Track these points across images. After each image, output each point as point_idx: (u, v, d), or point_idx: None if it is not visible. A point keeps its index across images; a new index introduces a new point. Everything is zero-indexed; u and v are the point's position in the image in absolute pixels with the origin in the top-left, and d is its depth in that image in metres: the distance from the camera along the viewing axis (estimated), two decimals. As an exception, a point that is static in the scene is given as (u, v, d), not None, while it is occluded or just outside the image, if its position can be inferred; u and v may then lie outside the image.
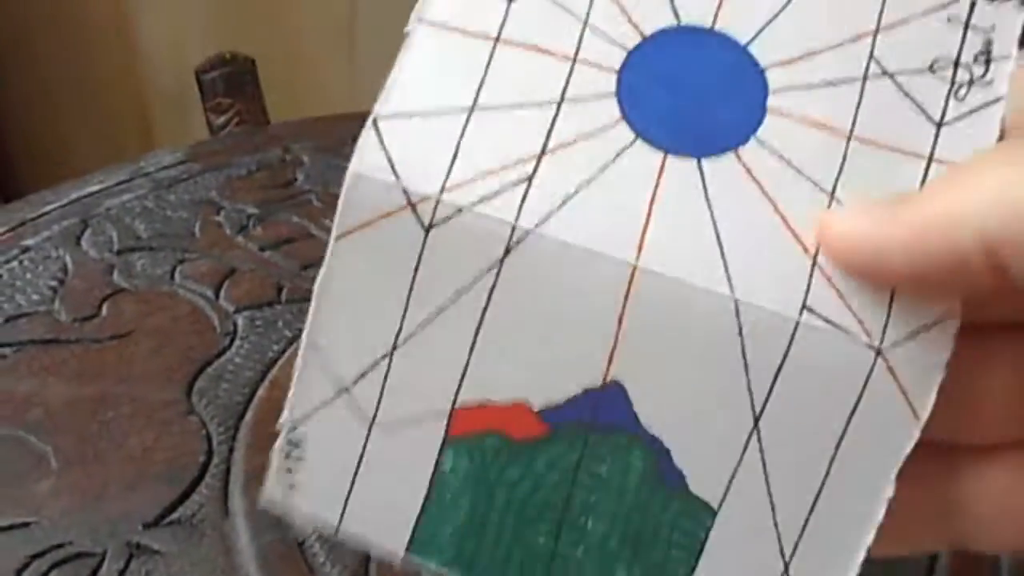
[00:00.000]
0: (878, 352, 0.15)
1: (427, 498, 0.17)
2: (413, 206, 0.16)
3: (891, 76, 0.16)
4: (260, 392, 0.30)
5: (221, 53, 0.53)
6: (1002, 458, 0.16)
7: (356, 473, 0.17)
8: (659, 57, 0.16)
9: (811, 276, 0.15)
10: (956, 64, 0.16)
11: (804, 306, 0.15)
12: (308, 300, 0.40)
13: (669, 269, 0.15)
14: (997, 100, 0.16)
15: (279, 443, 0.17)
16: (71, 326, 0.34)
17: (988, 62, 0.16)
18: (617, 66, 0.16)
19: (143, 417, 0.29)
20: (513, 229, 0.15)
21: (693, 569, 0.16)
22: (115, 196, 0.44)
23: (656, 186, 0.16)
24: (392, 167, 0.16)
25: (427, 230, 0.16)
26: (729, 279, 0.15)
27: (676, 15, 0.16)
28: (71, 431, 0.28)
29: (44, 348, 0.32)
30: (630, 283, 0.15)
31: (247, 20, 0.90)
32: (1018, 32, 0.16)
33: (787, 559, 0.16)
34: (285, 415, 0.17)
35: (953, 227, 0.14)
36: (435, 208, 0.16)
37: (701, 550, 0.16)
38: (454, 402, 0.16)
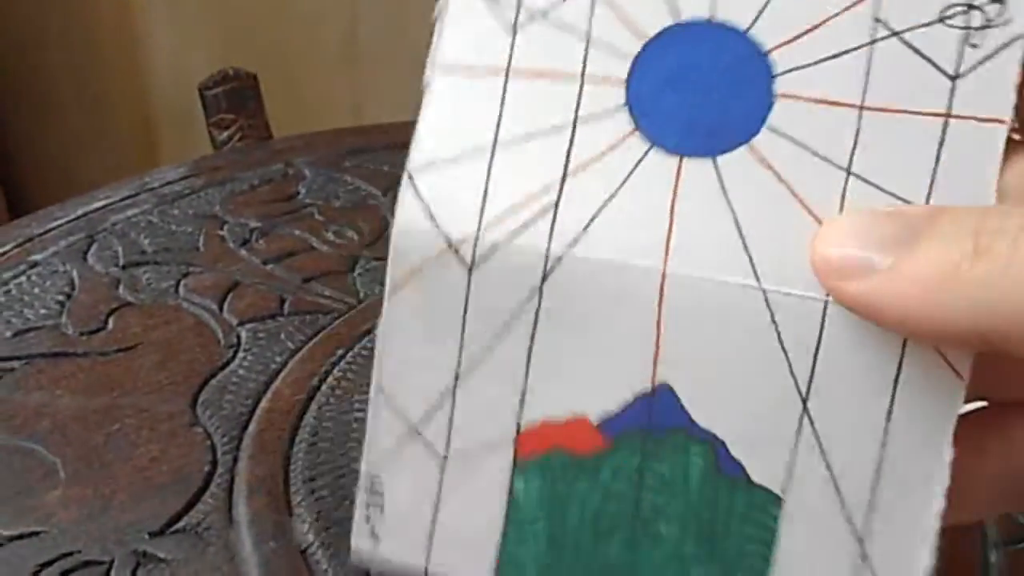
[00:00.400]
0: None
1: (505, 526, 0.17)
2: (455, 249, 0.17)
3: (899, 35, 0.15)
4: (263, 403, 0.31)
5: (224, 69, 0.54)
6: None
7: (435, 512, 0.18)
8: (663, 59, 0.16)
9: None
10: (969, 7, 0.15)
11: None
12: (310, 312, 0.41)
13: (695, 269, 0.16)
14: (1017, 39, 0.15)
15: (360, 495, 0.18)
16: (78, 339, 0.34)
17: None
18: (624, 76, 0.16)
19: (149, 428, 0.30)
20: (547, 256, 0.16)
21: (769, 559, 0.16)
22: (120, 211, 0.45)
23: (675, 191, 0.16)
24: (431, 216, 0.17)
25: (470, 269, 0.17)
26: (755, 270, 0.16)
27: (675, 11, 0.16)
28: (79, 442, 0.29)
29: (52, 361, 0.33)
30: (662, 288, 0.16)
31: (250, 36, 0.91)
32: None
33: (861, 537, 0.16)
34: (363, 465, 0.18)
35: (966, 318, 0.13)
36: (475, 248, 0.17)
37: (774, 539, 0.16)
38: (518, 426, 0.17)
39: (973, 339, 0.14)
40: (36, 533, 0.26)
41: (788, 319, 0.16)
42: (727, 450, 0.16)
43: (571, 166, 0.17)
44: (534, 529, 0.17)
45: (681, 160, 0.16)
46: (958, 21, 0.15)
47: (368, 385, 0.25)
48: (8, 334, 0.34)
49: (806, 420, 0.16)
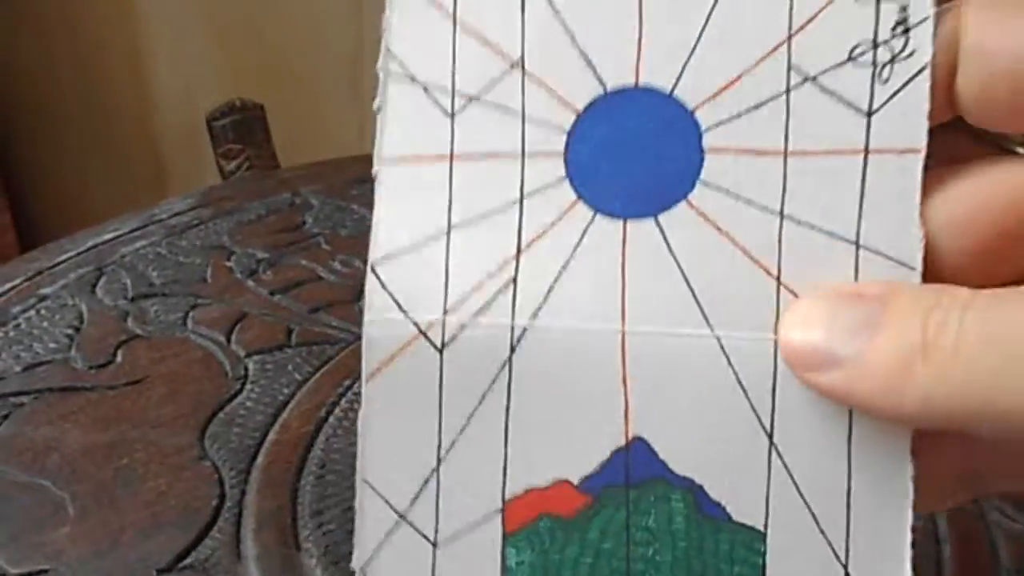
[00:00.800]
0: None
1: None
2: (424, 334, 0.18)
3: (812, 79, 0.16)
4: (271, 435, 0.31)
5: (231, 100, 0.55)
6: None
7: None
8: (596, 129, 0.17)
9: (778, 295, 0.17)
10: (875, 44, 0.16)
11: (778, 324, 0.16)
12: (317, 343, 0.41)
13: (651, 325, 0.17)
14: (922, 70, 0.16)
15: None
16: (87, 373, 0.34)
17: (907, 31, 0.16)
18: (561, 149, 0.17)
19: (157, 462, 0.30)
20: (512, 329, 0.17)
21: None
22: (129, 244, 0.45)
23: (623, 253, 0.17)
24: (398, 304, 0.18)
25: (440, 351, 0.18)
26: (706, 319, 0.17)
27: (601, 82, 0.17)
28: (88, 478, 0.29)
29: (61, 396, 0.33)
30: (623, 347, 0.17)
31: (256, 67, 0.92)
32: None
33: (844, 560, 0.16)
34: (355, 561, 0.18)
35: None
36: (443, 330, 0.18)
37: (763, 574, 0.17)
38: (503, 498, 0.18)
39: (934, 425, 0.15)
40: (44, 571, 0.26)
41: (743, 360, 0.17)
42: (706, 493, 0.17)
43: (523, 241, 0.17)
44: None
45: (625, 223, 0.17)
46: (866, 59, 0.16)
47: None
48: (18, 368, 0.34)
49: (775, 454, 0.17)
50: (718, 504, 0.17)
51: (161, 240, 0.46)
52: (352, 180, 0.53)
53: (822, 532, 0.17)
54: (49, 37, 0.98)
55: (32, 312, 0.39)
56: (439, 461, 0.18)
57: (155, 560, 0.26)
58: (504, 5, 0.17)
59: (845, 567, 0.17)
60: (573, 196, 0.17)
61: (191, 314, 0.39)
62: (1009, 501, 0.29)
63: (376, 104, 0.18)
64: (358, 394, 0.34)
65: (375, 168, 0.18)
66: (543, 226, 0.17)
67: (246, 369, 0.35)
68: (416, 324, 0.18)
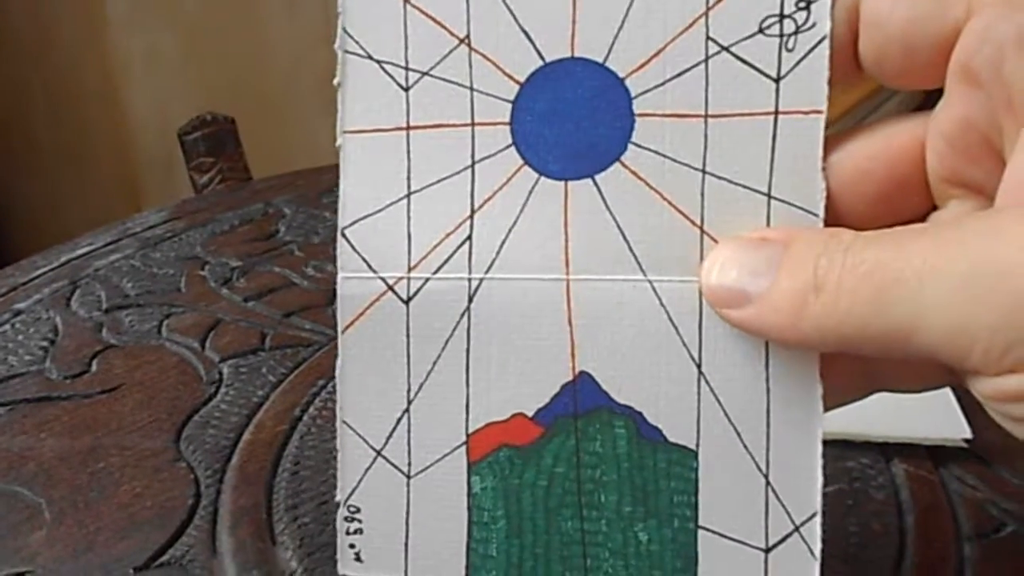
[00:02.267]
0: None
1: (470, 528, 0.20)
2: (392, 288, 0.20)
3: (727, 49, 0.18)
4: (246, 435, 0.31)
5: (202, 114, 0.55)
6: None
7: (407, 523, 0.21)
8: (537, 98, 0.19)
9: (702, 243, 0.19)
10: (781, 17, 0.18)
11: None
12: (291, 346, 0.41)
13: (592, 274, 0.19)
14: (822, 40, 0.18)
15: (340, 523, 0.21)
16: (62, 383, 0.35)
17: (808, 5, 0.18)
18: (507, 118, 0.19)
19: (133, 466, 0.30)
20: (469, 282, 0.20)
21: (696, 506, 0.19)
22: (103, 257, 0.45)
23: (566, 210, 0.19)
24: (368, 264, 0.20)
25: (407, 303, 0.20)
26: (640, 266, 0.19)
27: (540, 55, 0.19)
28: (63, 483, 0.29)
29: (37, 406, 0.33)
30: (568, 294, 0.19)
31: (228, 84, 0.92)
32: None
33: (765, 470, 0.19)
34: (339, 495, 0.21)
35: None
36: (408, 284, 0.20)
37: (696, 488, 0.19)
38: (467, 431, 0.20)
39: (832, 350, 0.17)
40: (22, 574, 0.26)
41: (673, 300, 0.19)
42: (645, 419, 0.19)
43: (476, 202, 0.20)
44: (496, 527, 0.20)
45: (566, 184, 0.19)
46: (774, 30, 0.18)
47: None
48: (-8, 381, 0.35)
49: (703, 382, 0.19)
50: (656, 428, 0.19)
51: (135, 253, 0.46)
52: (324, 189, 0.54)
53: (746, 447, 0.19)
54: (21, 56, 0.98)
55: (7, 327, 0.39)
56: (409, 402, 0.20)
57: (132, 559, 0.26)
58: None
59: (766, 476, 0.19)
60: (519, 161, 0.19)
61: (166, 322, 0.39)
62: (969, 471, 0.30)
63: (336, 80, 0.20)
64: (332, 393, 0.34)
65: (338, 141, 0.20)
66: (493, 188, 0.19)
67: (221, 373, 0.35)
68: (384, 280, 0.20)
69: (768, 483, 0.19)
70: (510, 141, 0.19)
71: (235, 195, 0.53)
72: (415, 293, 0.20)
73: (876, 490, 0.29)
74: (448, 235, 0.20)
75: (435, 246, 0.20)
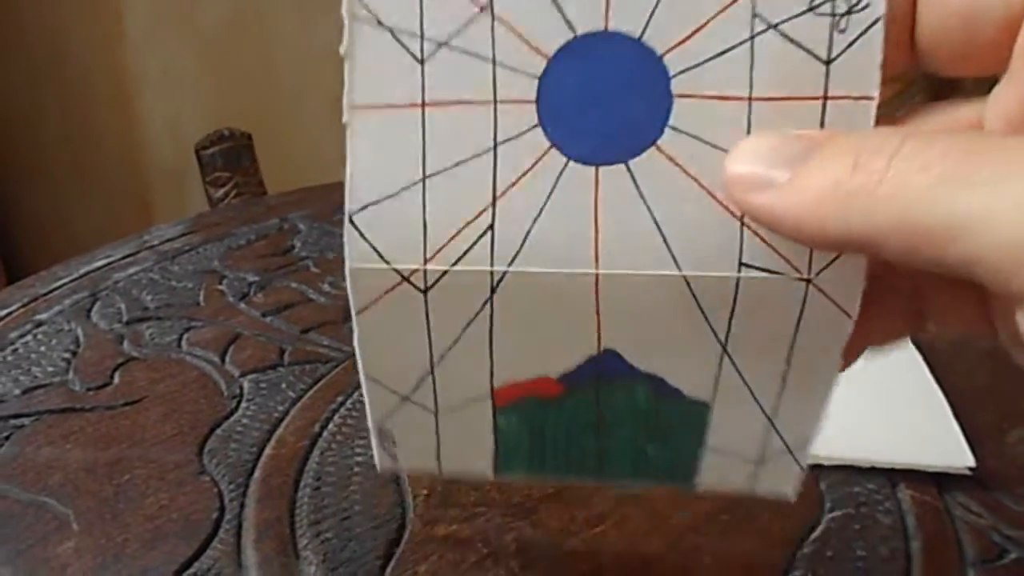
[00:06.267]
0: (808, 282, 0.18)
1: (496, 445, 0.21)
2: (407, 279, 0.19)
3: (775, 27, 0.17)
4: (267, 450, 0.32)
5: (219, 130, 0.56)
6: (955, 288, 0.19)
7: (438, 443, 0.22)
8: (567, 75, 0.17)
9: (742, 235, 0.18)
10: None
11: (740, 263, 0.18)
12: (310, 362, 0.42)
13: (623, 268, 0.18)
14: (876, 22, 0.16)
15: (374, 438, 0.22)
16: (85, 395, 0.35)
17: None
18: (533, 96, 0.17)
19: (157, 478, 0.31)
20: (491, 275, 0.18)
21: (704, 435, 0.21)
22: (121, 269, 0.46)
23: (596, 198, 0.18)
24: (379, 253, 0.18)
25: (424, 293, 0.19)
26: (675, 259, 0.18)
27: (571, 27, 0.17)
28: (90, 494, 0.30)
29: (61, 417, 0.34)
30: (596, 288, 0.18)
31: (240, 98, 0.93)
32: None
33: (770, 415, 0.20)
34: (369, 423, 0.21)
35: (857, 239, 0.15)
36: (425, 276, 0.19)
37: (706, 426, 0.21)
38: (492, 386, 0.20)
39: (853, 245, 0.16)
40: (51, 583, 0.26)
41: (707, 295, 0.18)
42: (665, 382, 0.20)
43: (498, 188, 0.18)
44: (520, 443, 0.22)
45: (597, 170, 0.18)
46: (825, 9, 0.16)
47: (367, 430, 0.27)
48: (17, 392, 0.35)
49: (727, 360, 0.19)
50: (676, 388, 0.20)
51: (153, 265, 0.47)
52: (338, 205, 0.55)
53: (755, 397, 0.20)
54: (36, 69, 0.99)
55: (29, 337, 0.39)
56: (432, 367, 0.20)
57: (159, 571, 0.27)
58: None
59: (772, 424, 0.20)
60: (547, 143, 0.18)
61: (185, 336, 0.40)
62: (973, 498, 0.31)
63: (343, 49, 0.18)
64: (351, 410, 0.35)
65: (345, 117, 0.18)
66: (517, 172, 0.18)
67: (241, 388, 0.36)
68: (397, 271, 0.18)
69: (773, 427, 0.20)
70: (536, 121, 0.18)
71: (251, 210, 0.54)
72: (432, 284, 0.18)
73: (883, 515, 0.30)
74: (468, 224, 0.18)
75: (453, 236, 0.18)
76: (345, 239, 0.18)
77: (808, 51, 0.17)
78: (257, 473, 0.31)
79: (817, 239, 0.16)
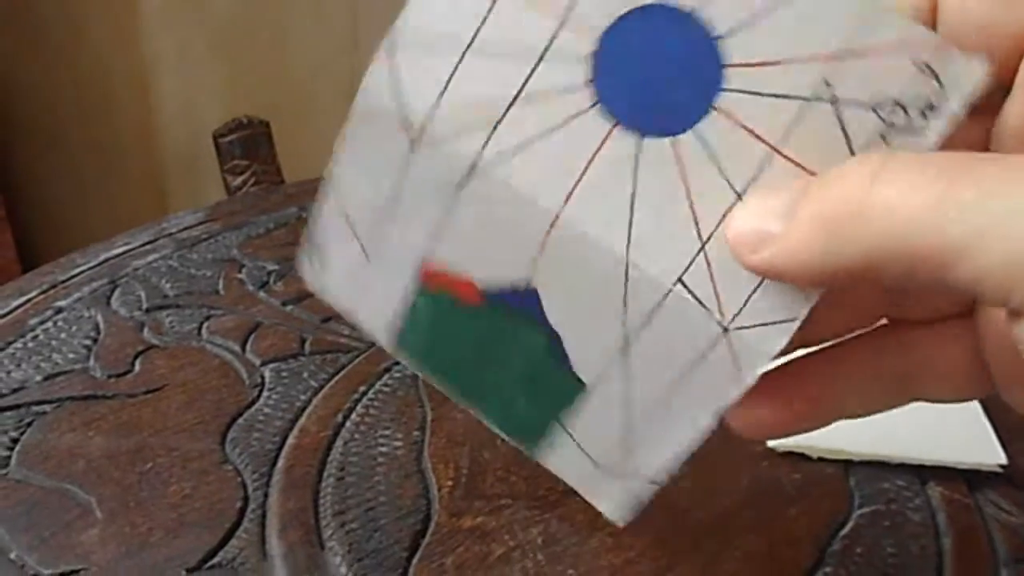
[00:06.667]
0: (725, 330, 0.18)
1: (403, 319, 0.22)
2: (404, 128, 0.19)
3: (834, 102, 0.17)
4: (290, 440, 0.32)
5: (238, 117, 0.56)
6: (944, 328, 0.19)
7: (358, 285, 0.22)
8: (641, 31, 0.18)
9: (695, 257, 0.18)
10: (899, 106, 0.17)
11: (679, 279, 0.18)
12: (331, 351, 0.42)
13: (582, 224, 0.19)
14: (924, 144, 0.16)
15: (306, 244, 0.23)
16: (107, 382, 0.35)
17: (929, 112, 0.16)
18: (600, 31, 0.18)
19: (180, 467, 0.30)
20: (472, 166, 0.19)
21: (566, 414, 0.21)
22: (140, 257, 0.46)
23: (596, 152, 0.18)
24: (395, 92, 0.19)
25: (411, 149, 0.20)
26: (629, 241, 0.19)
27: None
28: (113, 482, 0.30)
29: (83, 404, 0.34)
30: (552, 225, 0.19)
31: (256, 85, 0.93)
32: (972, 89, 0.16)
33: (628, 430, 0.20)
34: (309, 226, 0.22)
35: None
36: (421, 134, 0.19)
37: (572, 407, 0.21)
38: (423, 257, 0.21)
39: (852, 273, 0.16)
40: (76, 571, 0.26)
41: (638, 287, 0.19)
42: (562, 343, 0.20)
43: (522, 95, 0.18)
44: (420, 334, 0.22)
45: (613, 127, 0.18)
46: (884, 113, 0.17)
47: (391, 420, 0.27)
48: (38, 378, 0.35)
49: (620, 355, 0.20)
50: (567, 355, 0.20)
51: (172, 253, 0.46)
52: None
53: (625, 410, 0.20)
54: (52, 55, 0.99)
55: (49, 324, 0.39)
56: (383, 214, 0.21)
57: (184, 559, 0.27)
58: None
59: (630, 428, 0.20)
60: (583, 78, 0.18)
61: (206, 324, 0.39)
62: (1005, 497, 0.30)
63: None
64: (373, 400, 0.35)
65: None
66: (546, 90, 0.18)
67: (262, 377, 0.36)
68: (402, 117, 0.19)
69: (626, 444, 0.21)
70: (592, 50, 0.18)
71: (269, 198, 0.54)
72: (423, 145, 0.19)
73: (913, 512, 0.30)
74: (479, 109, 0.19)
75: (462, 110, 0.19)
76: (372, 64, 0.19)
77: (848, 139, 0.17)
78: (280, 463, 0.31)
79: (816, 275, 0.16)
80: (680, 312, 0.18)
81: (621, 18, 0.18)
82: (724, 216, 0.18)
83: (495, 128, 0.19)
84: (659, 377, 0.19)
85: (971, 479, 0.31)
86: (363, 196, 0.21)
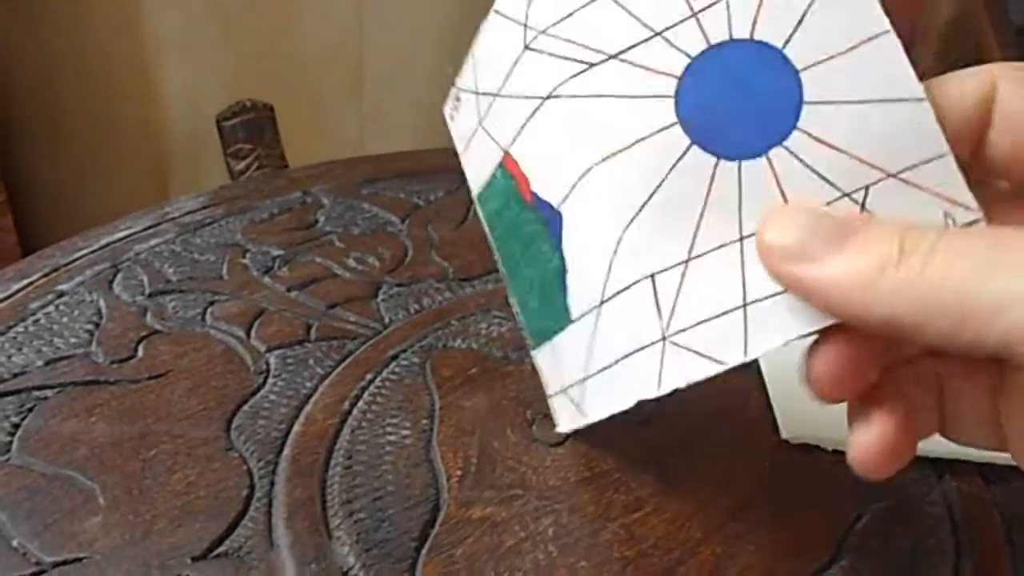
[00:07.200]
0: (663, 338, 0.21)
1: (485, 185, 0.28)
2: (523, 31, 0.23)
3: (861, 208, 0.19)
4: (296, 427, 0.31)
5: (241, 101, 0.55)
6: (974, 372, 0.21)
7: (469, 138, 0.28)
8: (728, 60, 0.20)
9: (675, 266, 0.20)
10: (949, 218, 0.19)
11: (652, 276, 0.21)
12: (337, 338, 0.41)
13: (603, 186, 0.22)
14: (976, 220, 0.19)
15: (448, 105, 0.29)
16: (109, 368, 0.35)
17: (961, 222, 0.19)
18: (690, 53, 0.20)
19: (185, 454, 0.30)
20: (557, 87, 0.22)
21: (556, 332, 0.26)
22: (143, 241, 0.45)
23: (653, 134, 0.21)
24: (527, 3, 0.23)
25: (525, 48, 0.23)
26: (629, 224, 0.21)
27: (727, 32, 0.20)
28: (116, 469, 0.29)
29: (85, 389, 0.33)
30: (587, 171, 0.22)
31: (260, 69, 0.92)
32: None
33: (588, 369, 0.24)
34: (456, 84, 0.29)
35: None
36: (531, 41, 0.23)
37: (562, 330, 0.25)
38: (509, 145, 0.25)
39: (896, 326, 0.17)
40: (79, 559, 0.26)
41: (618, 268, 0.21)
42: (565, 274, 0.24)
43: (623, 55, 0.21)
44: (493, 201, 0.28)
45: (690, 146, 0.20)
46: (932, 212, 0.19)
47: (398, 408, 0.27)
48: (40, 363, 0.35)
49: (600, 313, 0.23)
50: (566, 287, 0.24)
51: (175, 238, 0.46)
52: (362, 180, 0.54)
53: (588, 350, 0.24)
54: (52, 38, 0.98)
55: (51, 308, 0.39)
56: (494, 90, 0.26)
57: (189, 548, 0.26)
58: None
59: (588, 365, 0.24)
60: (671, 89, 0.20)
61: (210, 310, 0.39)
62: (1021, 491, 0.30)
63: None
64: (380, 388, 0.34)
65: None
66: (643, 64, 0.20)
67: (267, 364, 0.35)
68: (523, 24, 0.23)
69: (584, 379, 0.25)
70: (679, 67, 0.20)
71: (273, 183, 0.53)
72: (529, 52, 0.23)
73: (929, 506, 0.29)
74: (582, 50, 0.21)
75: (569, 40, 0.21)
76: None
77: (923, 208, 0.19)
78: (286, 451, 0.30)
79: (860, 317, 0.17)
80: (638, 303, 0.20)
81: (700, 56, 0.20)
82: (724, 243, 0.19)
83: (589, 68, 0.21)
84: (612, 346, 0.22)
85: (987, 472, 0.31)
86: (488, 71, 0.25)
